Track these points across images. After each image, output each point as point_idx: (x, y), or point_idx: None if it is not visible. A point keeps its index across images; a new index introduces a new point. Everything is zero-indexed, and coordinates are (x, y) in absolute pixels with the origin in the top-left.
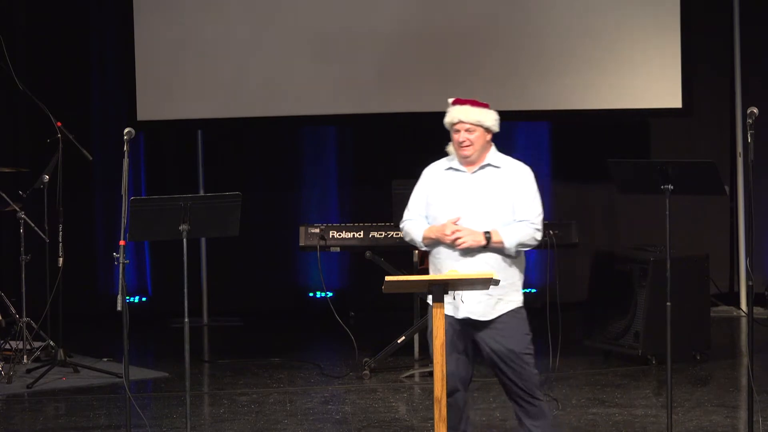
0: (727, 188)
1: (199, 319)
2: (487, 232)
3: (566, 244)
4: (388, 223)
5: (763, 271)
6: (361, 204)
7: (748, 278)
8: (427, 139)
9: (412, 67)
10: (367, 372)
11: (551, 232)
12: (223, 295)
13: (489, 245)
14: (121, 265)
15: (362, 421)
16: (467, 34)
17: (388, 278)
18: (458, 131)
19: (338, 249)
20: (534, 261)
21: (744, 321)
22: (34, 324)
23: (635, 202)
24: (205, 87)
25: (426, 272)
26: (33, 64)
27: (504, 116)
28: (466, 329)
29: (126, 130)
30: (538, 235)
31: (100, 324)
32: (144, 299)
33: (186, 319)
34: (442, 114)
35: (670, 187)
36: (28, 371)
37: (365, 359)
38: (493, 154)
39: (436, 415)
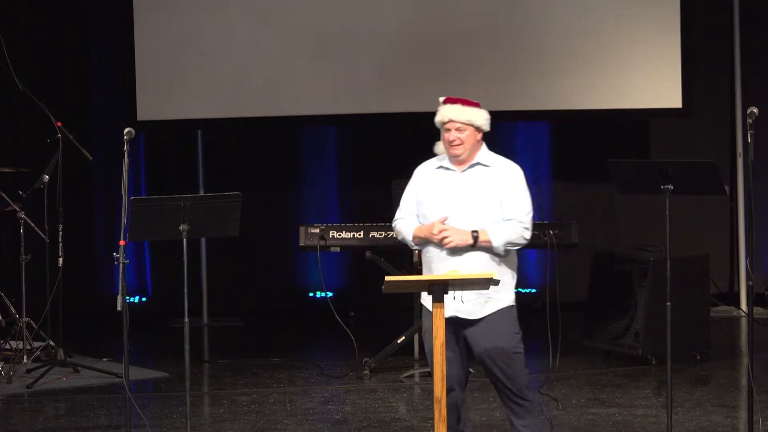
0: (727, 188)
1: (199, 319)
2: (474, 231)
3: (566, 244)
4: (388, 223)
5: (763, 271)
6: (361, 204)
7: (748, 278)
8: (427, 139)
9: (412, 67)
10: (367, 372)
11: (551, 232)
12: (223, 295)
13: (476, 244)
14: (121, 265)
15: (362, 421)
16: (467, 34)
17: (388, 278)
18: (449, 130)
19: (338, 249)
20: (534, 261)
21: (744, 321)
22: (34, 324)
23: (635, 202)
24: (205, 87)
25: None
26: (33, 64)
27: (504, 116)
28: (455, 328)
29: (126, 130)
30: (527, 234)
31: (100, 324)
32: (144, 299)
33: (186, 319)
34: None
35: (670, 187)
36: (28, 371)
37: (365, 359)
38: (483, 153)
39: (436, 415)
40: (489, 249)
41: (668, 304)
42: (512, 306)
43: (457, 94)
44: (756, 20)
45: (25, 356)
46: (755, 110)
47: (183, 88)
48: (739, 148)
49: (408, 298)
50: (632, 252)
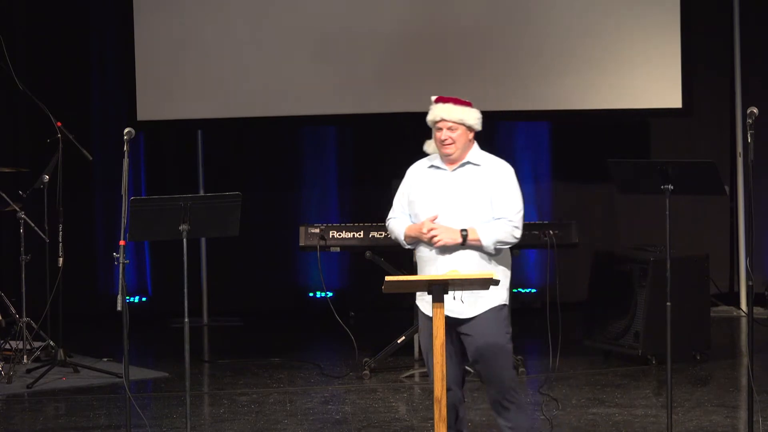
0: (727, 188)
1: (199, 319)
2: (463, 230)
3: (566, 244)
4: None
5: (763, 271)
6: (361, 204)
7: (748, 278)
8: (427, 139)
9: (412, 67)
10: (367, 372)
11: (551, 232)
12: (223, 295)
13: (465, 243)
14: (121, 265)
15: (362, 421)
16: (467, 34)
17: (388, 278)
18: (440, 129)
19: (338, 249)
20: (534, 261)
21: (744, 321)
22: (34, 324)
23: (635, 202)
24: (205, 87)
25: None
26: (33, 64)
27: (504, 116)
28: (447, 328)
29: (126, 130)
30: (517, 233)
31: (100, 324)
32: (144, 299)
33: (186, 319)
34: None
35: (670, 187)
36: (28, 371)
37: (365, 359)
38: (475, 152)
39: (436, 415)
40: (479, 248)
41: (668, 304)
42: (504, 305)
43: (457, 94)
44: (756, 20)
45: (25, 356)
46: (755, 110)
47: (183, 88)
48: (739, 148)
49: (408, 298)
50: (632, 252)
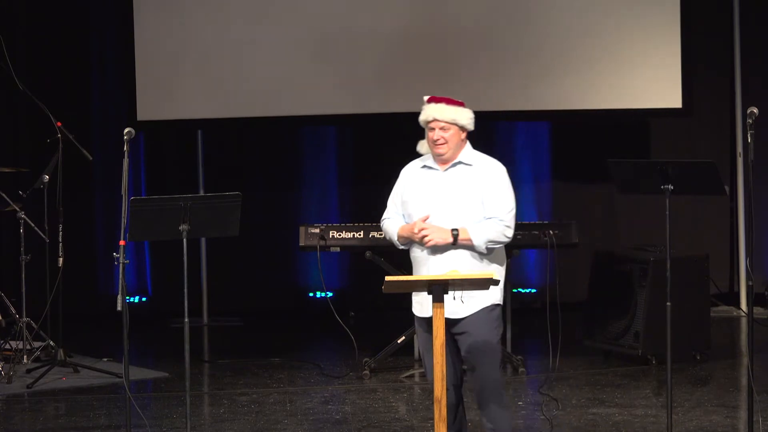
0: (727, 188)
1: (199, 319)
2: (454, 230)
3: (566, 244)
4: None
5: (763, 271)
6: (361, 204)
7: (748, 278)
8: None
9: (412, 67)
10: (367, 372)
11: (551, 232)
12: (223, 295)
13: (456, 243)
14: (121, 265)
15: (362, 421)
16: (467, 34)
17: (388, 278)
18: (433, 129)
19: (338, 249)
20: (534, 261)
21: (744, 321)
22: (34, 324)
23: (635, 202)
24: (205, 87)
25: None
26: (33, 64)
27: (504, 116)
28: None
29: (126, 130)
30: (509, 232)
31: (100, 324)
32: (144, 299)
33: (186, 319)
34: None
35: (670, 187)
36: (28, 371)
37: (365, 359)
38: (467, 152)
39: (436, 415)
40: (470, 247)
41: (668, 304)
42: (496, 305)
43: (457, 94)
44: (756, 20)
45: (25, 356)
46: (755, 110)
47: (183, 88)
48: (739, 148)
49: (408, 298)
50: (632, 252)
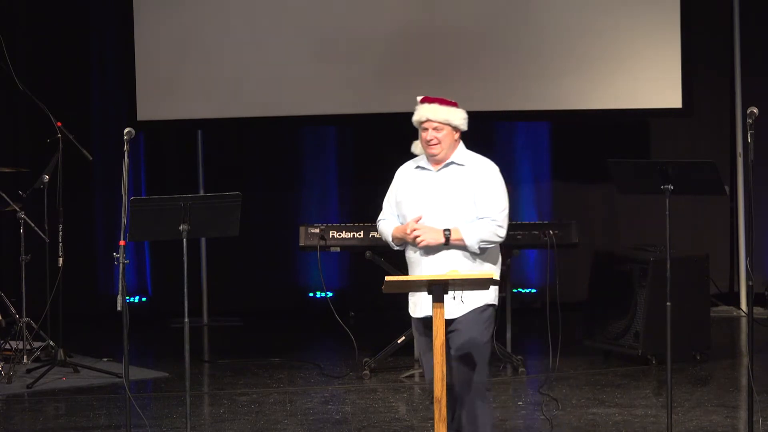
0: (727, 188)
1: (199, 319)
2: (446, 230)
3: (566, 244)
4: None
5: (763, 271)
6: (361, 204)
7: (748, 278)
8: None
9: (412, 67)
10: (367, 372)
11: (551, 232)
12: (223, 295)
13: (449, 243)
14: (121, 265)
15: (362, 421)
16: (467, 34)
17: (388, 278)
18: (426, 129)
19: (338, 249)
20: (534, 261)
21: (744, 321)
22: (34, 324)
23: (635, 202)
24: (205, 87)
25: None
26: (33, 64)
27: (504, 116)
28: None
29: (126, 130)
30: (501, 232)
31: (100, 324)
32: (144, 299)
33: (186, 319)
34: None
35: (670, 187)
36: (28, 371)
37: (365, 359)
38: (460, 152)
39: (436, 415)
40: (463, 247)
41: (668, 304)
42: (489, 305)
43: (457, 94)
44: (756, 20)
45: (25, 356)
46: (755, 110)
47: (183, 88)
48: (739, 148)
49: (408, 298)
50: (632, 252)
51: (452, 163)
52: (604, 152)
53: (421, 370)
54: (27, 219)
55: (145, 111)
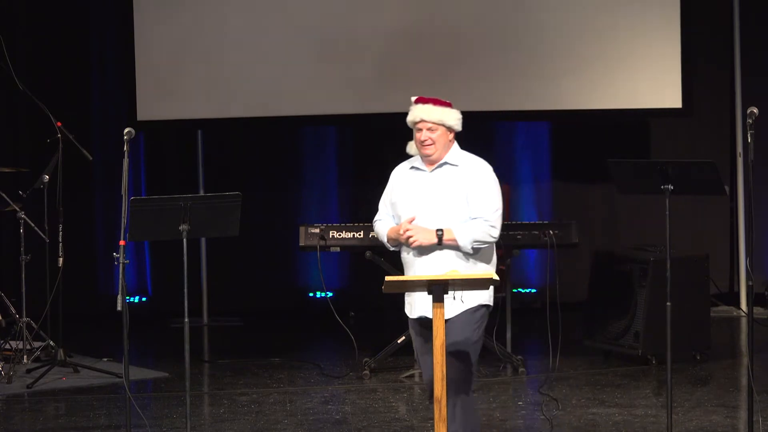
0: (727, 188)
1: (199, 319)
2: (439, 230)
3: (566, 244)
4: None
5: (763, 271)
6: (361, 204)
7: (748, 278)
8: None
9: (412, 67)
10: (367, 372)
11: (551, 232)
12: (223, 295)
13: (441, 243)
14: (121, 265)
15: (362, 421)
16: (467, 34)
17: (388, 278)
18: (420, 130)
19: (338, 249)
20: (534, 261)
21: (744, 321)
22: (34, 324)
23: (635, 202)
24: (205, 87)
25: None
26: (33, 64)
27: (504, 116)
28: (424, 329)
29: (126, 130)
30: (494, 232)
31: (100, 324)
32: (144, 299)
33: (186, 319)
34: None
35: (670, 187)
36: (28, 371)
37: (365, 359)
38: (453, 153)
39: (436, 415)
40: (456, 247)
41: (668, 304)
42: (482, 305)
43: (456, 94)
44: (756, 20)
45: (25, 356)
46: (755, 110)
47: (183, 88)
48: (739, 148)
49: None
50: (632, 252)
51: (446, 163)
52: (604, 152)
53: (420, 370)
54: (27, 219)
55: (145, 111)
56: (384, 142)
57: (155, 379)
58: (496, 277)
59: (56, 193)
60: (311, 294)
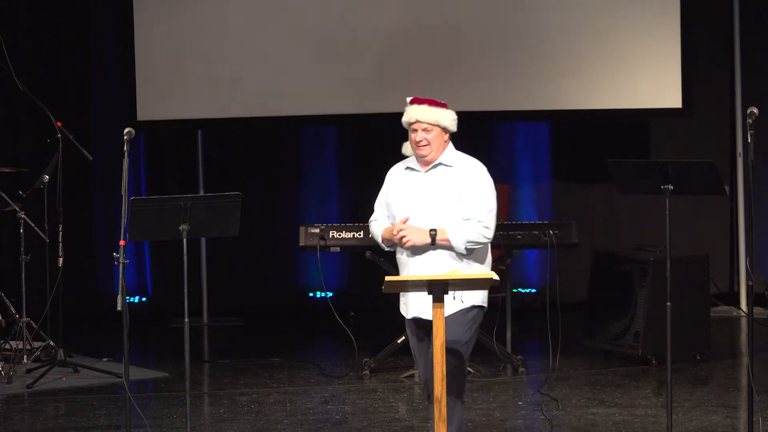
0: (727, 188)
1: (199, 319)
2: (432, 230)
3: (566, 244)
4: None
5: (763, 271)
6: (361, 204)
7: (748, 278)
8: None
9: (412, 67)
10: (367, 372)
11: (551, 232)
12: (223, 295)
13: (435, 243)
14: (121, 265)
15: (362, 421)
16: (467, 34)
17: (388, 278)
18: (415, 131)
19: (338, 249)
20: (534, 261)
21: (744, 321)
22: (34, 324)
23: (635, 202)
24: (205, 87)
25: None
26: (33, 64)
27: (504, 116)
28: (418, 329)
29: (126, 130)
30: (488, 233)
31: (100, 324)
32: (144, 299)
33: (186, 319)
34: None
35: (670, 187)
36: (28, 371)
37: (365, 359)
38: (448, 153)
39: (436, 415)
40: (449, 248)
41: (668, 304)
42: (475, 306)
43: (456, 94)
44: (756, 19)
45: (25, 356)
46: (755, 110)
47: (183, 88)
48: (739, 148)
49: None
50: (632, 252)
51: (440, 164)
52: (604, 152)
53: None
54: (27, 219)
55: (145, 111)
56: (384, 142)
57: (155, 379)
58: (496, 277)
59: (56, 193)
60: (311, 294)
